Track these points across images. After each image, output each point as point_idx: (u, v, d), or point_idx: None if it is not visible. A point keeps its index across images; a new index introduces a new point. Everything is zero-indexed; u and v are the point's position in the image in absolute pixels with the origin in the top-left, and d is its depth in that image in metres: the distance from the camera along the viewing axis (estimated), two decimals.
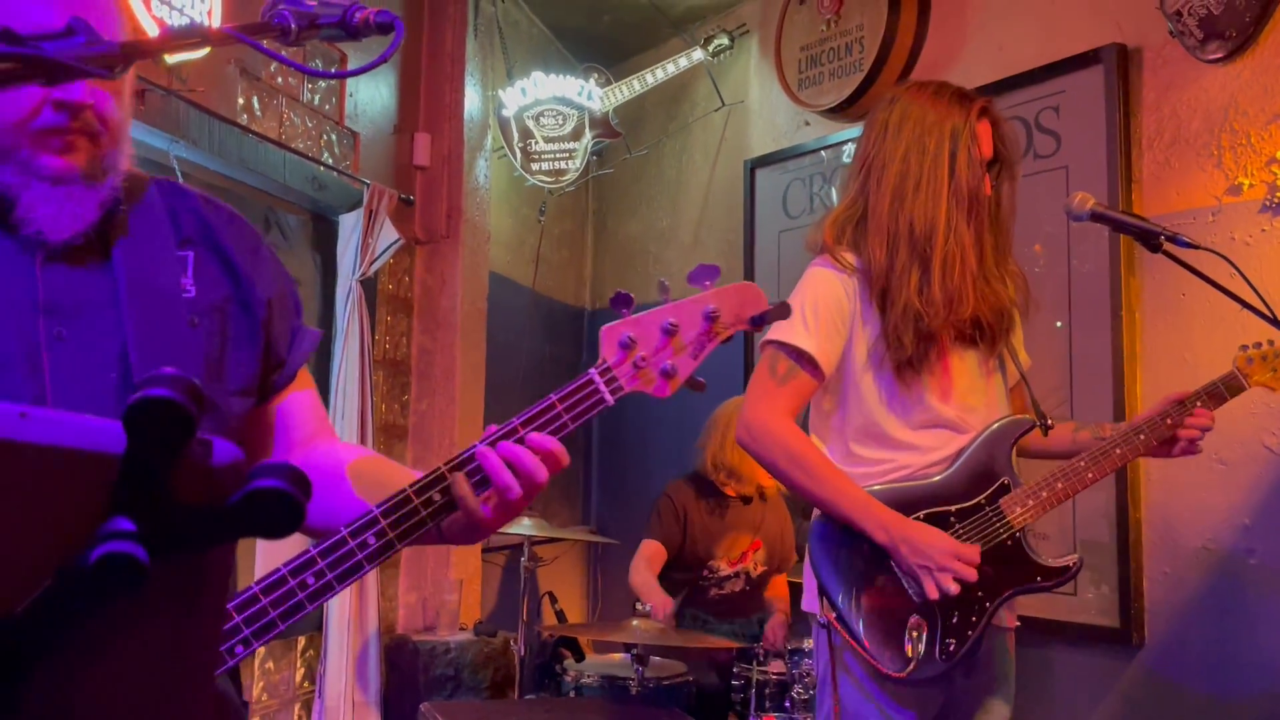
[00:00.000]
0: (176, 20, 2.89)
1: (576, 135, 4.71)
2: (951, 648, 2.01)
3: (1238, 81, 2.98)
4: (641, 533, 3.90)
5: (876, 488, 2.08)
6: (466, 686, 3.95)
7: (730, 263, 4.61)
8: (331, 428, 1.52)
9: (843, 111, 4.02)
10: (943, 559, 1.97)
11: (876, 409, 2.13)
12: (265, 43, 1.07)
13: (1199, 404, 2.18)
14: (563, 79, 4.71)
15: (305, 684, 3.95)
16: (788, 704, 3.15)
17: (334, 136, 3.95)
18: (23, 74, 0.75)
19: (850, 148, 3.96)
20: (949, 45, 3.78)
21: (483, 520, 1.25)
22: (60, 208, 1.20)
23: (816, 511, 2.13)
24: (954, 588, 1.97)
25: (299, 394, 1.46)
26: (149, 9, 2.76)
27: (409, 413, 4.39)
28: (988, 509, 2.09)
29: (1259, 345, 2.24)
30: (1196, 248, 2.03)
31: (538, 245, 4.98)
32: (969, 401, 2.15)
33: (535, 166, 4.69)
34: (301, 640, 3.94)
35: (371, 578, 3.83)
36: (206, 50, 2.86)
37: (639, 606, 3.34)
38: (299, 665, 3.94)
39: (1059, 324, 3.27)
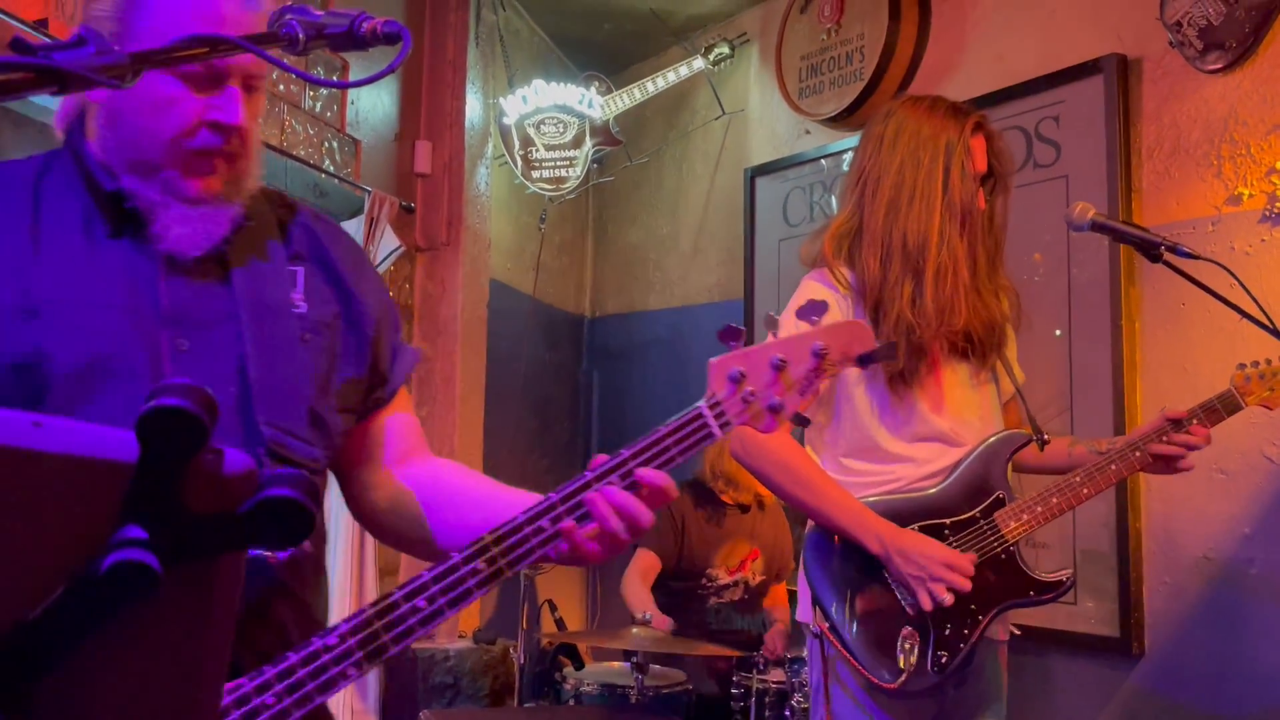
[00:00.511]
0: None
1: (577, 143, 4.72)
2: (944, 660, 2.02)
3: (1238, 92, 2.99)
4: (637, 542, 3.90)
5: (872, 499, 2.09)
6: (466, 694, 3.95)
7: (731, 271, 4.62)
8: (426, 444, 1.53)
9: (843, 120, 4.03)
10: (936, 569, 1.98)
11: (869, 422, 2.15)
12: (274, 53, 1.07)
13: (1195, 421, 2.19)
14: (563, 87, 4.72)
15: None
16: (787, 713, 3.15)
17: (335, 144, 3.96)
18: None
19: (850, 156, 3.97)
20: (949, 55, 3.79)
21: (588, 555, 1.26)
22: (195, 227, 1.23)
23: (811, 522, 2.14)
24: (948, 598, 1.98)
25: (399, 411, 1.48)
26: None
27: None
28: (982, 522, 2.10)
29: (1256, 364, 2.26)
30: (1197, 258, 2.04)
31: (538, 252, 4.99)
32: (963, 415, 2.17)
33: (536, 174, 4.69)
34: None
35: (371, 585, 3.83)
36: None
37: (639, 616, 3.34)
38: None
39: (1058, 333, 3.28)
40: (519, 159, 4.66)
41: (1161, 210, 3.12)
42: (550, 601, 4.00)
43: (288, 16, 1.07)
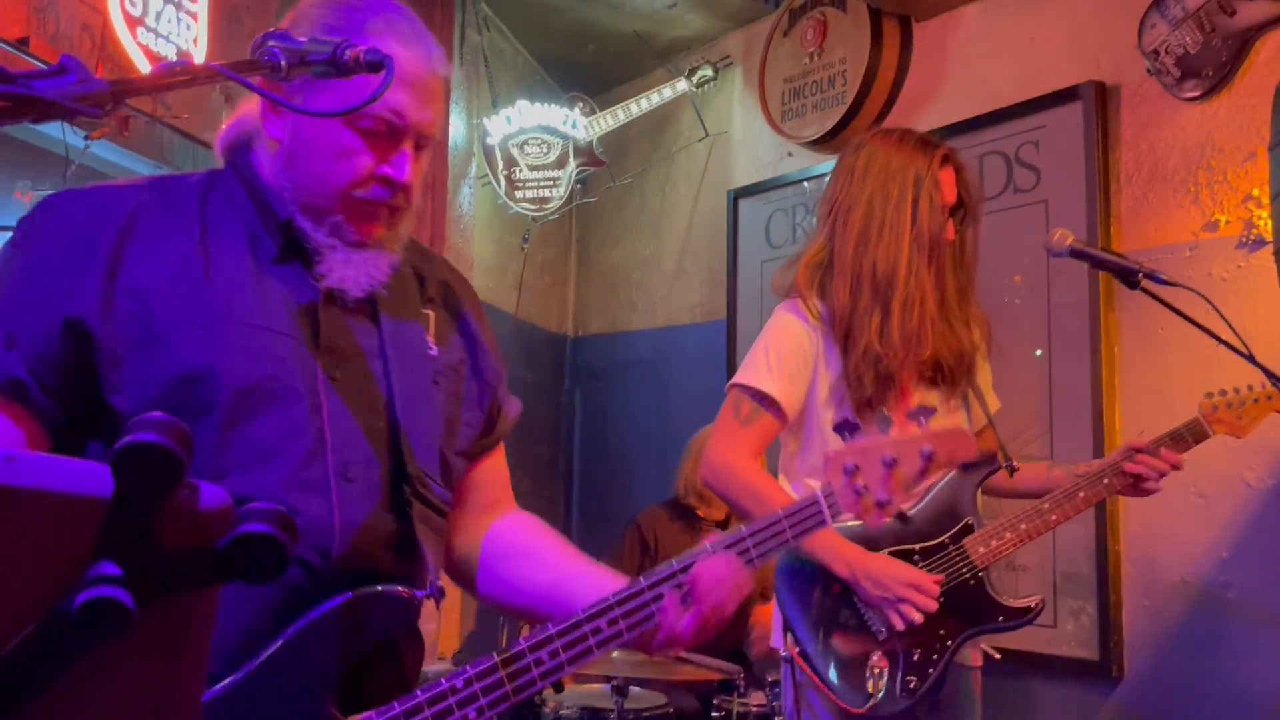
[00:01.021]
0: (162, 48, 2.89)
1: (561, 163, 4.72)
2: (912, 685, 2.03)
3: (1214, 120, 3.02)
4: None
5: (853, 523, 2.10)
6: None
7: (713, 292, 4.63)
8: (511, 493, 1.59)
9: (826, 143, 4.05)
10: (901, 590, 2.01)
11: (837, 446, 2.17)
12: (256, 79, 1.07)
13: (1162, 448, 2.22)
14: (547, 108, 4.73)
15: None
16: None
17: None
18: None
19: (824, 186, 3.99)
20: (931, 80, 3.82)
21: (680, 634, 1.32)
22: (357, 270, 1.29)
23: None
24: (917, 617, 2.00)
25: (494, 459, 1.54)
26: (135, 37, 2.77)
27: None
28: (951, 548, 2.12)
29: (1224, 393, 2.28)
30: (1174, 285, 2.05)
31: (521, 272, 4.99)
32: None
33: (519, 194, 4.70)
34: None
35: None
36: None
37: None
38: None
39: (1039, 352, 3.30)
40: (502, 179, 4.67)
41: (1140, 235, 3.15)
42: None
43: (270, 43, 1.08)
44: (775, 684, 3.17)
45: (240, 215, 1.30)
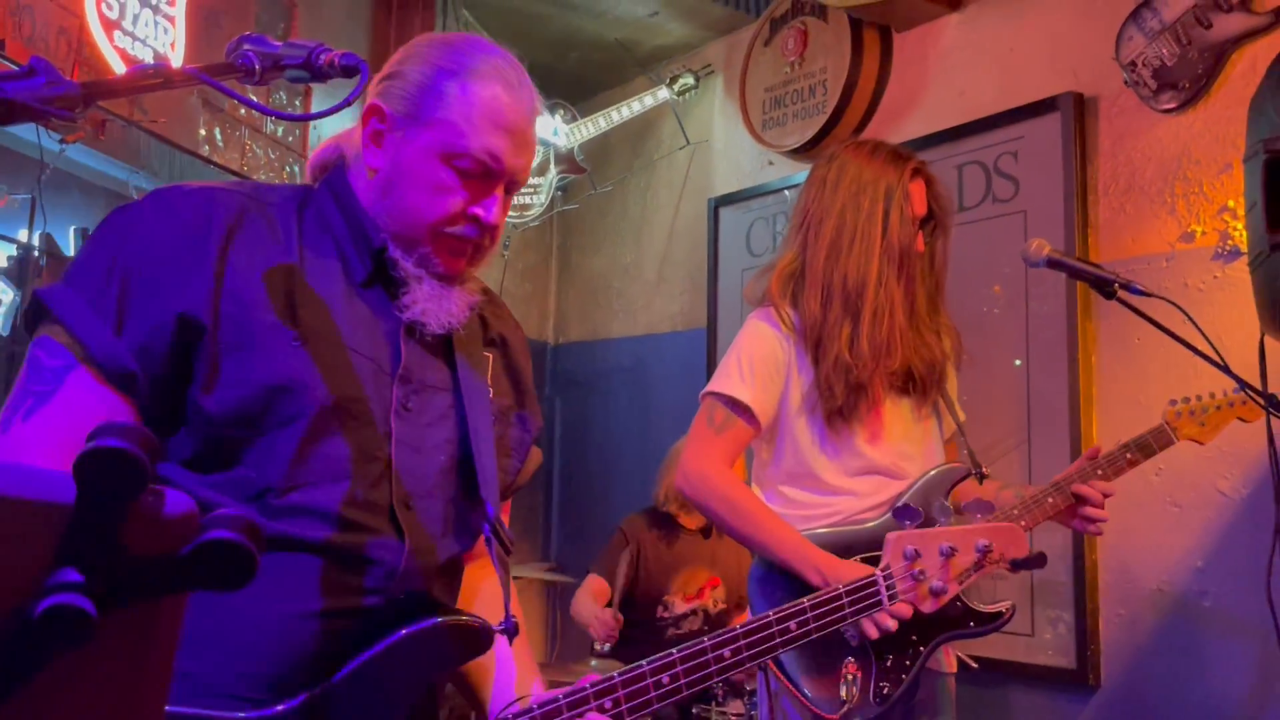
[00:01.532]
0: (140, 51, 2.88)
1: (542, 170, 4.72)
2: (885, 691, 2.04)
3: (1190, 131, 3.04)
4: (589, 566, 3.91)
5: (820, 530, 2.11)
6: None
7: (694, 300, 4.64)
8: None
9: (806, 152, 4.07)
10: None
11: (810, 454, 2.19)
12: (229, 83, 1.07)
13: (1129, 455, 2.25)
14: None
15: None
16: None
17: (297, 169, 3.93)
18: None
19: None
20: (911, 90, 3.84)
21: None
22: (440, 306, 1.32)
23: (755, 555, 2.17)
24: (891, 624, 2.00)
25: (508, 505, 1.57)
26: (111, 40, 2.75)
27: None
28: None
29: (1187, 400, 2.31)
30: (1150, 295, 2.07)
31: (501, 279, 4.98)
32: (904, 449, 2.22)
33: None
34: None
35: None
36: None
37: (596, 647, 3.32)
38: None
39: (1018, 362, 3.31)
40: None
41: (1117, 246, 3.17)
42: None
43: (245, 47, 1.07)
44: (754, 693, 3.17)
45: (332, 236, 1.34)
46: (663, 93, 4.67)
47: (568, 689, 1.30)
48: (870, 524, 2.15)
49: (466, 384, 1.37)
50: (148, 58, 2.90)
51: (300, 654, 1.18)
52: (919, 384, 2.23)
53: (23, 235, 2.90)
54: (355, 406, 1.25)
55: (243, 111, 3.65)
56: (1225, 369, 2.03)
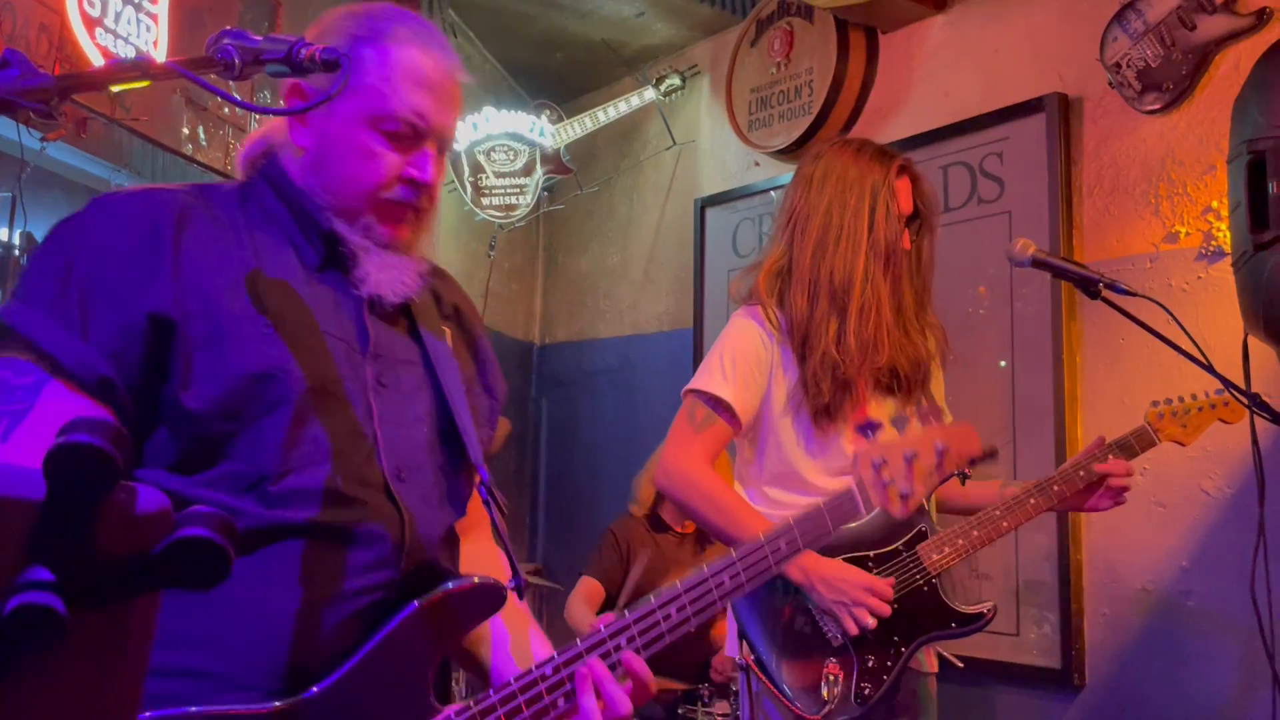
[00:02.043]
0: (122, 49, 2.86)
1: (528, 171, 4.71)
2: (867, 691, 2.04)
3: (1174, 132, 3.05)
4: (580, 569, 3.89)
5: None
6: None
7: (680, 300, 4.63)
8: (488, 518, 1.60)
9: (792, 153, 4.06)
10: (856, 593, 2.02)
11: (794, 454, 2.18)
12: (210, 78, 1.06)
13: (1110, 456, 2.25)
14: (515, 115, 4.71)
15: None
16: None
17: None
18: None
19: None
20: (896, 91, 3.84)
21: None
22: (391, 274, 1.33)
23: None
24: (870, 622, 2.01)
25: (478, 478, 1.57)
26: (93, 38, 2.73)
27: None
28: (905, 555, 2.14)
29: (1169, 401, 2.31)
30: (1134, 295, 2.07)
31: (487, 280, 4.97)
32: None
33: (486, 201, 4.68)
34: None
35: None
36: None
37: None
38: None
39: (1003, 363, 3.32)
40: (469, 186, 4.65)
41: (1102, 246, 3.18)
42: None
43: (224, 41, 1.06)
44: (739, 693, 3.17)
45: (278, 225, 1.33)
46: (649, 93, 4.66)
47: (581, 639, 1.32)
48: (851, 524, 2.15)
49: (435, 356, 1.38)
50: (129, 55, 2.88)
51: (318, 638, 1.19)
52: (903, 383, 2.22)
53: (3, 234, 2.88)
54: (335, 387, 1.26)
55: (226, 110, 3.63)
56: (1209, 369, 2.03)
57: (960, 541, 2.16)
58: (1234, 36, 2.92)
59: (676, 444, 2.18)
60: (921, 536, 2.15)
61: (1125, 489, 2.25)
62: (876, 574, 2.10)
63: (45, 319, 1.16)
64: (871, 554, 2.12)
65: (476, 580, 1.28)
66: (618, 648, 1.31)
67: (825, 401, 2.14)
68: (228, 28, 1.11)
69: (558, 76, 5.10)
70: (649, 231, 4.89)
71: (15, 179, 2.72)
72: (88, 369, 1.15)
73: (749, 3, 4.33)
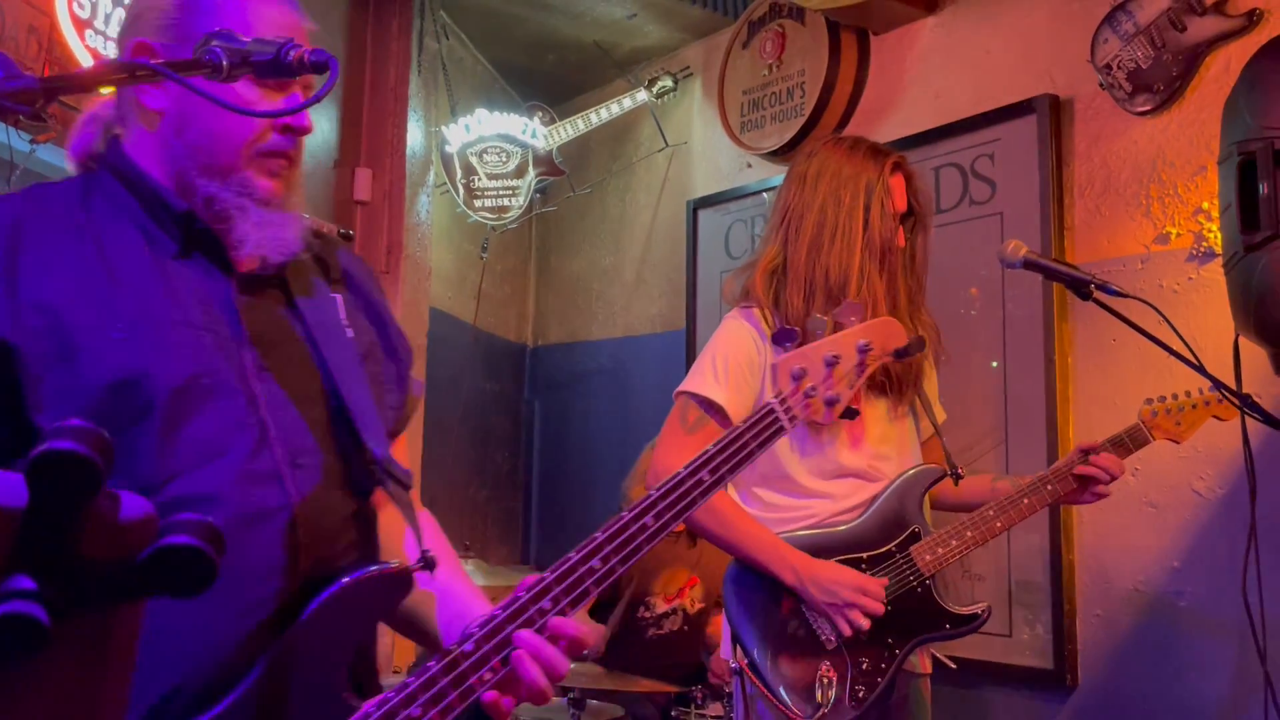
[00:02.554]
0: (112, 51, 2.84)
1: (520, 173, 4.70)
2: (861, 694, 2.03)
3: (1165, 134, 3.06)
4: None
5: (800, 533, 2.10)
6: None
7: (673, 301, 4.63)
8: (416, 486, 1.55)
9: (784, 155, 4.06)
10: (848, 594, 2.01)
11: (786, 457, 2.18)
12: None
13: (1104, 453, 2.25)
14: (507, 117, 4.71)
15: None
16: None
17: None
18: None
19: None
20: (888, 92, 3.84)
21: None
22: (272, 231, 1.26)
23: (731, 557, 2.16)
24: (864, 623, 2.01)
25: (402, 446, 1.49)
26: (83, 39, 2.72)
27: None
28: (898, 556, 2.13)
29: (1163, 399, 2.31)
30: (1125, 296, 2.07)
31: (480, 281, 4.96)
32: (881, 449, 2.21)
33: (478, 203, 4.67)
34: None
35: None
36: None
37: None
38: None
39: (995, 364, 3.32)
40: (461, 187, 4.64)
41: (1093, 248, 3.18)
42: None
43: (212, 43, 1.06)
44: (732, 696, 3.16)
45: (127, 215, 1.25)
46: (641, 95, 4.66)
47: (505, 601, 1.24)
48: (845, 526, 2.15)
49: (318, 330, 1.31)
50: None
51: (217, 656, 1.13)
52: (895, 383, 2.22)
53: None
54: (209, 381, 1.19)
55: None
56: (1200, 369, 2.03)
57: (954, 542, 2.16)
58: (1224, 38, 2.92)
59: (668, 446, 2.18)
60: (915, 538, 2.15)
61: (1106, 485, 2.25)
62: (870, 575, 2.10)
63: None
64: (865, 556, 2.12)
65: (374, 570, 1.20)
66: (541, 611, 1.22)
67: None
68: (214, 29, 1.10)
69: (550, 78, 5.10)
70: (641, 233, 4.89)
71: (4, 181, 2.71)
72: None
73: (741, 4, 4.33)
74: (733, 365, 2.17)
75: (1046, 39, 3.35)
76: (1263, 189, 2.09)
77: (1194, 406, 2.31)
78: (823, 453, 2.17)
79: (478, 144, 4.66)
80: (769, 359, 2.19)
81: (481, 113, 4.68)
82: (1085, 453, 2.24)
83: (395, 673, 4.11)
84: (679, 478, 1.34)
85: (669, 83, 4.63)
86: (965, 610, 2.15)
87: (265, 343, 1.26)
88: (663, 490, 1.33)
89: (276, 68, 1.05)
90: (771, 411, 1.44)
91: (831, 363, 1.44)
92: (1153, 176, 3.08)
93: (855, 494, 2.17)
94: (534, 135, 4.71)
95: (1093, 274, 2.16)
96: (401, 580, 1.22)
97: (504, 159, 4.69)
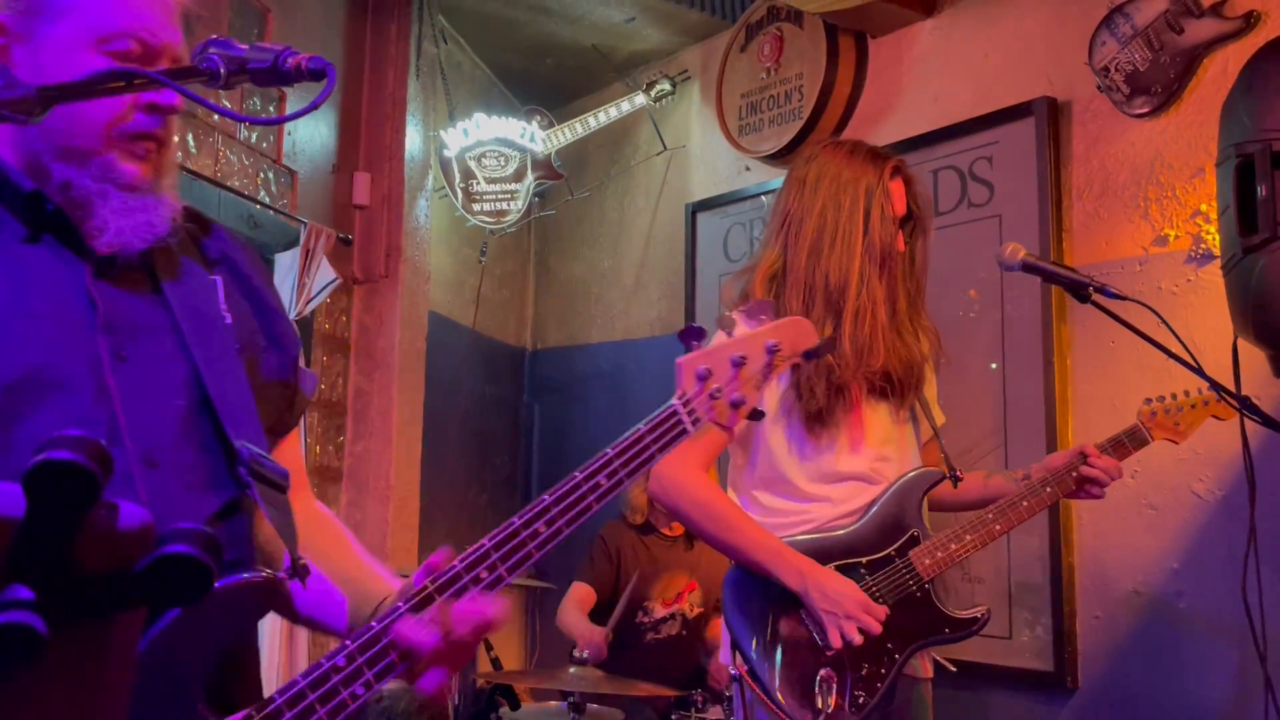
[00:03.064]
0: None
1: (518, 177, 4.70)
2: (861, 700, 2.02)
3: (1163, 136, 3.06)
4: (573, 575, 3.88)
5: (799, 538, 2.10)
6: None
7: (672, 305, 4.63)
8: (308, 483, 1.48)
9: (783, 158, 4.07)
10: (852, 608, 2.00)
11: (785, 461, 2.17)
12: (194, 87, 1.05)
13: (1104, 455, 2.25)
14: (505, 121, 4.71)
15: None
16: None
17: (271, 175, 3.91)
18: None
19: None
20: (886, 95, 3.84)
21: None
22: (134, 218, 1.17)
23: (731, 562, 2.15)
24: (857, 638, 1.99)
25: (293, 442, 1.42)
26: None
27: (344, 455, 4.32)
28: (898, 560, 2.12)
29: (1161, 399, 2.31)
30: (1123, 299, 2.07)
31: (478, 285, 4.96)
32: (882, 452, 2.20)
33: (477, 207, 4.67)
34: None
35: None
36: None
37: (576, 654, 3.30)
38: None
39: (994, 366, 3.32)
40: (460, 192, 4.64)
41: (1091, 250, 3.18)
42: (486, 640, 3.94)
43: (210, 50, 1.06)
44: (732, 700, 3.16)
45: None
46: (639, 98, 4.66)
47: (436, 575, 1.18)
48: (845, 530, 2.14)
49: (187, 316, 1.22)
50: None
51: None
52: (897, 386, 2.21)
53: None
54: (47, 375, 1.10)
55: (215, 118, 3.62)
56: (1199, 371, 2.03)
57: (953, 546, 2.15)
58: (1222, 40, 2.93)
59: (671, 452, 2.17)
60: (914, 541, 2.14)
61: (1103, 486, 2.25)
62: (869, 580, 2.09)
63: None
64: (864, 560, 2.11)
65: (243, 578, 1.09)
66: (477, 580, 1.16)
67: (819, 406, 2.12)
68: (214, 36, 1.10)
69: (548, 82, 5.10)
70: (640, 236, 4.89)
71: None
72: None
73: (739, 8, 4.33)
74: None
75: (1044, 42, 3.36)
76: (1261, 191, 2.10)
77: (1193, 406, 2.31)
78: (821, 456, 2.16)
79: (476, 148, 4.66)
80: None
81: (480, 117, 4.68)
82: (1083, 455, 2.23)
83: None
84: (575, 481, 1.29)
85: (667, 86, 4.63)
86: (965, 614, 2.14)
87: (123, 330, 1.17)
88: (555, 496, 1.27)
89: (274, 75, 1.05)
90: (675, 413, 1.38)
91: (738, 363, 1.38)
92: (1151, 179, 3.08)
93: (856, 497, 2.17)
94: (532, 139, 4.72)
95: (1091, 276, 2.16)
96: (266, 593, 1.11)
97: (502, 163, 4.69)
